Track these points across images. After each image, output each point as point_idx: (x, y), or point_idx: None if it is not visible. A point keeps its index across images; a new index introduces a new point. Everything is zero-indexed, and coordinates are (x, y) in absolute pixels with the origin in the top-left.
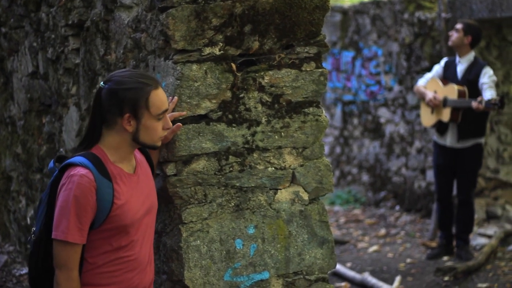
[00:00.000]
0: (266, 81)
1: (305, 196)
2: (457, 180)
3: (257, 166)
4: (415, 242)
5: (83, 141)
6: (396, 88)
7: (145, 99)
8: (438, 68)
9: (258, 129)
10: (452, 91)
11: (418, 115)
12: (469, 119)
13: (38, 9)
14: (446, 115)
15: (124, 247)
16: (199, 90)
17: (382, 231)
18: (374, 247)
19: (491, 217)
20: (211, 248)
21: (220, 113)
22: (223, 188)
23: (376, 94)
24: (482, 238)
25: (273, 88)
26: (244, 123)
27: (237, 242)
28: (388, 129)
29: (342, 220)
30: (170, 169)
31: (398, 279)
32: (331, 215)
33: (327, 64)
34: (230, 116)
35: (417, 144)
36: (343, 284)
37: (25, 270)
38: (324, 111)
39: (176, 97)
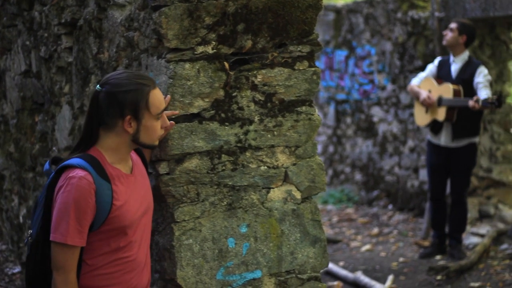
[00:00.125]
0: (259, 80)
1: (298, 195)
2: (451, 180)
3: (250, 165)
4: (407, 241)
5: (79, 144)
6: (389, 87)
7: (145, 100)
8: (431, 67)
9: (251, 128)
10: (447, 90)
11: (411, 114)
12: (463, 118)
13: (31, 7)
14: (441, 114)
15: (122, 248)
16: (192, 88)
17: (375, 230)
18: (367, 246)
19: (483, 216)
20: (203, 247)
21: (212, 112)
22: (215, 187)
23: (369, 93)
24: (474, 237)
25: (266, 87)
26: (236, 122)
27: (230, 241)
28: (381, 128)
29: (335, 219)
30: (162, 168)
31: (390, 278)
32: (324, 214)
33: (321, 63)
34: (222, 115)
35: (410, 143)
36: (335, 283)
37: (17, 269)
38: (317, 110)
39: (169, 96)
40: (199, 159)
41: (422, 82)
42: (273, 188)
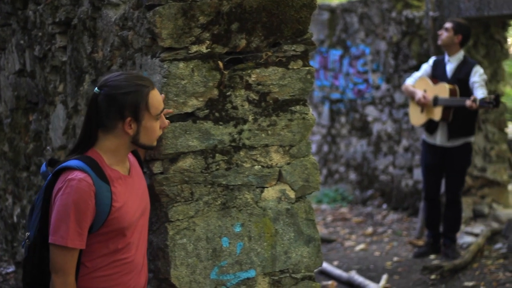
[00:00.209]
0: (253, 79)
1: (292, 194)
2: (446, 179)
3: (244, 164)
4: (402, 241)
5: (77, 146)
6: (384, 86)
7: (145, 101)
8: (426, 67)
9: (245, 127)
10: (443, 90)
11: (406, 114)
12: (459, 118)
13: (25, 6)
14: (437, 114)
15: (121, 249)
16: (186, 88)
17: (369, 230)
18: (361, 246)
19: (478, 216)
20: (197, 246)
21: (207, 111)
22: (209, 186)
23: (363, 93)
24: (469, 236)
25: (260, 86)
26: (231, 121)
27: (224, 240)
28: (376, 127)
29: (329, 218)
30: (156, 167)
31: (384, 277)
32: (318, 214)
33: (315, 63)
34: (217, 114)
35: (405, 142)
36: (329, 282)
37: (11, 269)
38: (311, 110)
39: (163, 95)
40: (193, 158)
41: (417, 81)
42: (267, 187)
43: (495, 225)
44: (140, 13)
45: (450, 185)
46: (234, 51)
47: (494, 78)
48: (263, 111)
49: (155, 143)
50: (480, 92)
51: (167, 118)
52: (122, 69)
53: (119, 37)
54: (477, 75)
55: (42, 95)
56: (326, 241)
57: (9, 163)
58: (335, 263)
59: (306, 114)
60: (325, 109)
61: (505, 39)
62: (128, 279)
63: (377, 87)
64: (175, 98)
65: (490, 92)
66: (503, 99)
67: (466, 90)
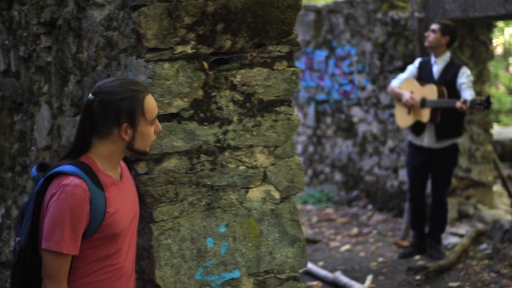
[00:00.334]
0: (238, 79)
1: (277, 195)
2: (433, 180)
3: (229, 165)
4: (387, 241)
5: (71, 152)
6: (369, 87)
7: (141, 106)
8: (412, 68)
9: (230, 127)
10: (431, 92)
11: (391, 115)
12: (447, 119)
13: (10, 7)
14: (425, 115)
15: (112, 255)
16: (171, 88)
17: (354, 230)
18: (346, 246)
19: (463, 216)
20: (182, 246)
21: (191, 111)
22: (194, 187)
23: (349, 94)
24: (453, 237)
25: (245, 87)
26: (215, 122)
27: (208, 241)
28: (361, 128)
29: (314, 219)
30: (141, 168)
31: (369, 278)
32: (304, 214)
33: (301, 63)
34: (201, 115)
35: (390, 143)
36: (315, 283)
37: None
38: (296, 110)
39: None
40: (178, 159)
41: (403, 83)
42: (252, 188)
43: (480, 225)
44: (125, 14)
45: (437, 186)
46: (219, 51)
47: (479, 79)
48: (248, 111)
49: (149, 149)
50: (468, 94)
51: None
52: (107, 70)
53: (104, 38)
54: (465, 76)
55: (27, 95)
56: (311, 241)
57: None
58: (320, 263)
59: (291, 114)
60: (311, 110)
61: (490, 40)
62: (119, 285)
63: (363, 88)
64: (160, 99)
65: (477, 93)
66: None
67: (453, 92)
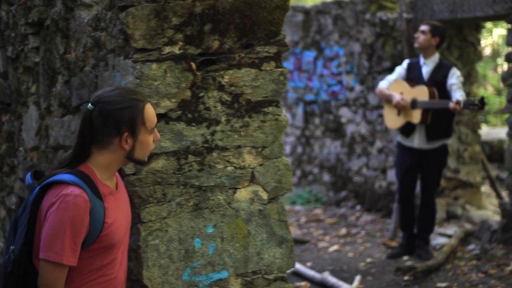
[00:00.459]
0: (225, 80)
1: (264, 196)
2: (422, 181)
3: (217, 165)
4: (375, 242)
5: (70, 162)
6: (358, 88)
7: (141, 115)
8: (400, 69)
9: (218, 128)
10: (422, 93)
11: (380, 115)
12: (437, 120)
13: None
14: (416, 116)
15: (106, 265)
16: (159, 89)
17: (343, 231)
18: (335, 247)
19: (451, 217)
20: (169, 247)
21: (179, 112)
22: (182, 187)
23: (337, 94)
24: (442, 237)
25: (232, 88)
26: (203, 122)
27: (196, 241)
28: (349, 129)
29: (303, 219)
30: (129, 168)
31: (358, 278)
32: (292, 215)
33: (289, 64)
34: (189, 115)
35: (378, 144)
36: (303, 283)
37: None
38: (285, 111)
39: None
40: (165, 159)
41: (392, 84)
42: (239, 188)
43: (468, 226)
44: (112, 14)
45: (426, 187)
46: (207, 52)
47: (467, 80)
48: (235, 112)
49: (146, 158)
50: (458, 94)
51: None
52: (95, 70)
53: (92, 38)
54: (455, 77)
55: (15, 96)
56: (299, 242)
57: None
58: (309, 264)
59: (279, 115)
60: (299, 110)
61: (478, 41)
62: None
63: (351, 89)
64: (147, 99)
65: (466, 94)
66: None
67: (443, 92)
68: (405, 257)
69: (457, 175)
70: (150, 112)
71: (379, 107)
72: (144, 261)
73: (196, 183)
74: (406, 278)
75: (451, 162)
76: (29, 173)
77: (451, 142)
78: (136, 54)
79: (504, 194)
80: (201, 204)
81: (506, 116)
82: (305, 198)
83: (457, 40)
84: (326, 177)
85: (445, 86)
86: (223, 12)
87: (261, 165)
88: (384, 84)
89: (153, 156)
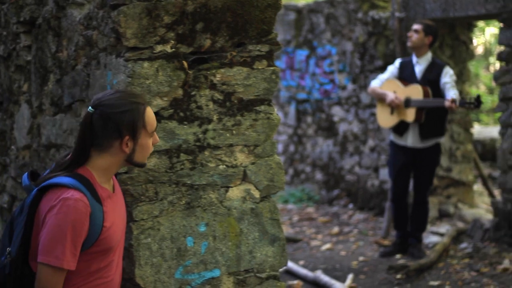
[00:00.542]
0: (217, 79)
1: (256, 194)
2: (415, 180)
3: (209, 164)
4: (368, 240)
5: (69, 165)
6: (350, 86)
7: (142, 119)
8: (392, 69)
9: (210, 127)
10: (416, 92)
11: (372, 114)
12: (431, 118)
13: None
14: (410, 115)
15: (103, 268)
16: (151, 87)
17: (335, 229)
18: (327, 245)
19: (443, 215)
20: (162, 245)
21: (171, 110)
22: (174, 186)
23: (330, 93)
24: (434, 236)
25: (224, 86)
26: (195, 121)
27: (188, 240)
28: (342, 127)
29: (295, 218)
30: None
31: (350, 277)
32: (285, 213)
33: (281, 63)
34: (181, 114)
35: (371, 142)
36: (295, 282)
37: None
38: (277, 110)
39: None
40: (157, 158)
41: (384, 83)
42: (231, 187)
43: (460, 224)
44: (104, 13)
45: (419, 186)
46: (198, 51)
47: (459, 78)
48: (227, 110)
49: (146, 161)
50: (452, 93)
51: None
52: (87, 69)
53: (83, 37)
54: (448, 76)
55: (7, 94)
56: (292, 240)
57: None
58: (301, 262)
59: (271, 114)
60: (292, 109)
61: (470, 40)
62: None
63: (343, 88)
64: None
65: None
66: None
67: (437, 91)
68: (398, 256)
69: (449, 173)
70: (150, 115)
71: (371, 105)
72: (136, 259)
73: (188, 182)
74: (398, 276)
75: (444, 161)
76: (26, 173)
77: (443, 141)
78: (128, 53)
79: (496, 192)
80: (193, 203)
81: (498, 114)
82: (298, 196)
83: (449, 39)
84: (319, 175)
85: (438, 85)
86: (215, 11)
87: (253, 163)
88: (376, 83)
89: None
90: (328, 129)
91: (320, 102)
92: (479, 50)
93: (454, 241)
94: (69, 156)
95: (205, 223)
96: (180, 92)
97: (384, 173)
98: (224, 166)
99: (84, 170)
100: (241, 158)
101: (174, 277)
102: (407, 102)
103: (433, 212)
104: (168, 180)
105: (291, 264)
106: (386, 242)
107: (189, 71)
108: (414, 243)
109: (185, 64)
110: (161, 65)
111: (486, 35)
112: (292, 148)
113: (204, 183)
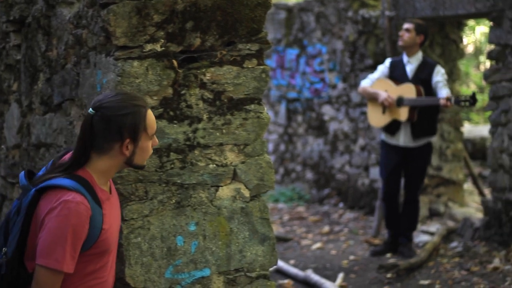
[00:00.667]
0: (207, 78)
1: (246, 193)
2: (406, 179)
3: (198, 163)
4: (358, 239)
5: (69, 167)
6: (340, 85)
7: (143, 122)
8: (383, 68)
9: (200, 126)
10: (409, 91)
11: (362, 113)
12: (423, 118)
13: None
14: (403, 114)
15: (98, 269)
16: (140, 86)
17: (326, 228)
18: (318, 244)
19: (433, 214)
20: (152, 245)
21: (161, 109)
22: (164, 185)
23: (320, 92)
24: (424, 235)
25: (214, 85)
26: (185, 120)
27: (178, 239)
28: (332, 126)
29: (286, 217)
30: None
31: (341, 276)
32: (275, 213)
33: (272, 62)
34: (171, 113)
35: (361, 141)
36: (286, 281)
37: None
38: (267, 109)
39: None
40: None
41: (375, 83)
42: (221, 186)
43: (450, 223)
44: (94, 11)
45: (410, 185)
46: (188, 49)
47: (450, 77)
48: (217, 110)
49: (145, 163)
50: (444, 92)
51: None
52: (76, 68)
53: (73, 36)
54: (440, 75)
55: None
56: (282, 240)
57: None
58: (292, 262)
59: (261, 113)
60: (282, 108)
61: (460, 38)
62: None
63: (334, 86)
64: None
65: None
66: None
67: (428, 90)
68: (388, 255)
69: (439, 172)
70: (151, 118)
71: (361, 104)
72: (126, 259)
73: (178, 181)
74: (389, 275)
75: (434, 160)
76: (23, 173)
77: (433, 140)
78: (118, 52)
79: (487, 191)
80: (183, 202)
81: (489, 113)
82: (288, 195)
83: (439, 38)
84: (309, 174)
85: (430, 84)
86: (205, 10)
87: (243, 162)
88: (366, 83)
89: None
90: (319, 128)
91: (310, 101)
92: (469, 49)
93: (444, 240)
94: (68, 157)
95: (195, 222)
96: (170, 91)
97: (375, 172)
98: (214, 165)
99: (83, 172)
100: (231, 157)
101: (164, 277)
102: (400, 101)
103: (423, 211)
104: (158, 179)
105: (281, 263)
106: (377, 241)
107: (179, 70)
108: (405, 242)
109: (175, 63)
110: (151, 64)
111: (476, 33)
112: (282, 147)
113: (194, 182)
